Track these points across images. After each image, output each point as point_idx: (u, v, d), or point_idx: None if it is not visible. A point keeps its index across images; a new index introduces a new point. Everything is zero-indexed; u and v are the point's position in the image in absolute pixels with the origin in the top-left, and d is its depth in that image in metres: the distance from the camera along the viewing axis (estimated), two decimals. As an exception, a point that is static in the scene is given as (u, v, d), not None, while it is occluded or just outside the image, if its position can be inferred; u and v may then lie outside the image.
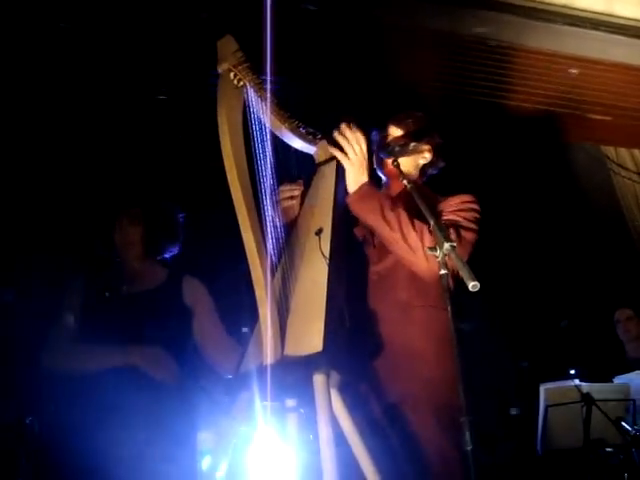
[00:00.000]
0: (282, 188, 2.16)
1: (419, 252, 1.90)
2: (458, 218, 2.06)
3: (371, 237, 2.15)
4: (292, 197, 2.20)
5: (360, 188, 2.01)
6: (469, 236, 2.03)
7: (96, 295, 2.52)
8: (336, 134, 2.05)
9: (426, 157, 2.26)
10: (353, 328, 2.05)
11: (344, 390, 1.75)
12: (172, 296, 2.54)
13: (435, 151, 2.28)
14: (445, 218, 2.05)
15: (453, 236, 1.93)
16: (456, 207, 2.10)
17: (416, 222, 1.94)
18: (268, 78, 1.92)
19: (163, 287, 2.56)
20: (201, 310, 2.55)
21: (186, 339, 2.55)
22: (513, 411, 3.99)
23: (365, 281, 2.12)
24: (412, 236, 1.91)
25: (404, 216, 1.95)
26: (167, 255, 2.72)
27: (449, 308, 1.61)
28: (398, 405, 1.93)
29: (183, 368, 2.50)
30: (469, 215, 2.08)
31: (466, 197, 2.15)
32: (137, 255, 2.60)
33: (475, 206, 2.13)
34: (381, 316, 2.01)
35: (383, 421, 1.95)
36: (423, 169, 2.29)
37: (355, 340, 2.03)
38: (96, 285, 2.56)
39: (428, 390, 1.86)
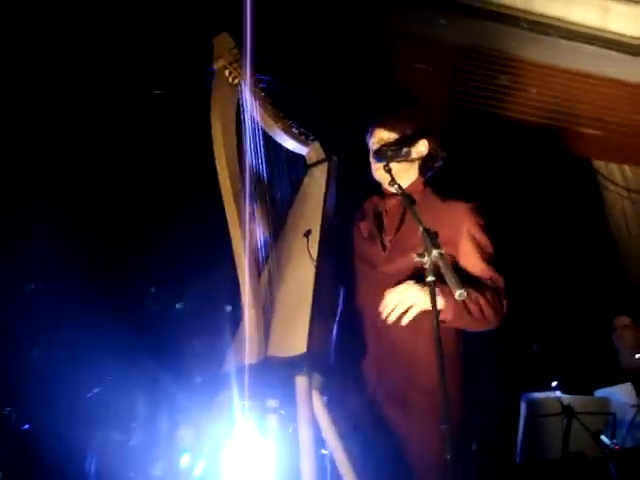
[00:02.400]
0: None
1: (493, 324, 2.00)
2: (493, 274, 2.05)
3: (380, 237, 2.13)
4: None
5: (447, 308, 1.89)
6: (506, 303, 2.04)
7: None
8: (389, 307, 1.91)
9: (421, 151, 2.21)
10: (347, 324, 2.06)
11: (327, 391, 1.75)
12: None
13: (432, 143, 2.23)
14: (478, 270, 2.04)
15: (499, 303, 2.00)
16: (482, 249, 2.07)
17: (488, 296, 1.97)
18: (252, 74, 1.89)
19: None
20: None
21: None
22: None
23: (358, 277, 2.11)
24: (490, 314, 1.97)
25: (481, 300, 1.95)
26: None
27: (435, 314, 1.61)
28: (400, 412, 1.93)
29: None
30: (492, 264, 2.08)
31: (480, 219, 2.12)
32: None
33: (488, 236, 2.12)
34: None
35: (375, 425, 1.94)
36: (424, 165, 2.24)
37: (349, 336, 2.03)
38: None
39: (432, 402, 1.83)
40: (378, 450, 1.91)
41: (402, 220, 2.12)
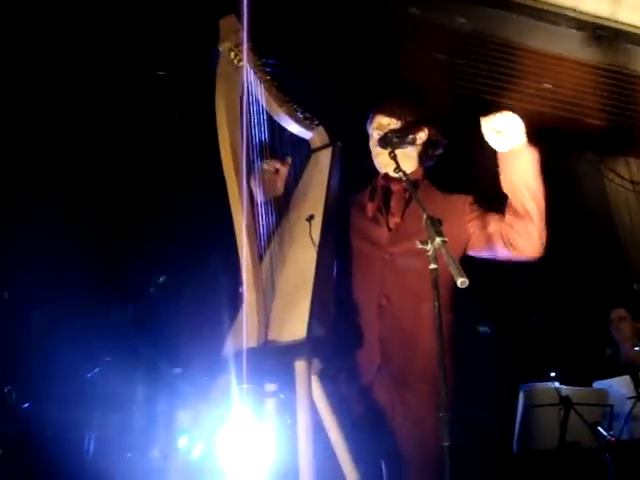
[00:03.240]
0: (268, 160, 2.10)
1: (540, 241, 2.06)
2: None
3: (385, 218, 2.13)
4: (276, 172, 2.17)
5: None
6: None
7: None
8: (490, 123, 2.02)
9: (421, 138, 2.22)
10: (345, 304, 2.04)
11: (329, 375, 1.75)
12: None
13: (432, 134, 2.24)
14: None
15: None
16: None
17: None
18: (245, 55, 1.87)
19: None
20: None
21: None
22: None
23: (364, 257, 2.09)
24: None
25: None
26: None
27: (436, 303, 1.60)
28: (398, 390, 1.92)
29: None
30: None
31: (475, 208, 2.15)
32: None
33: None
34: (393, 300, 2.00)
35: (371, 410, 1.94)
36: (423, 154, 2.25)
37: (342, 318, 2.00)
38: None
39: (433, 386, 1.83)
40: (374, 436, 1.91)
41: (408, 204, 2.12)
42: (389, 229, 2.10)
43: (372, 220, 2.14)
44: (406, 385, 1.93)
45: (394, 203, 2.15)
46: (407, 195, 2.13)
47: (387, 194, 2.19)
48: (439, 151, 2.28)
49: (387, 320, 1.98)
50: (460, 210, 2.13)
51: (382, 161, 2.19)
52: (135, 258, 3.93)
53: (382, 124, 2.20)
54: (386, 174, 2.21)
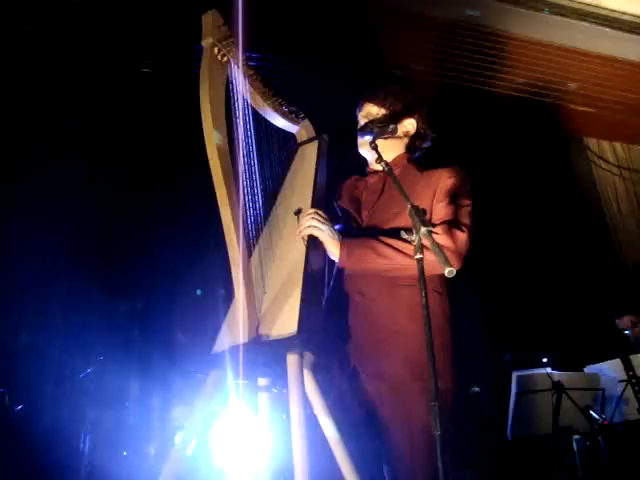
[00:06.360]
0: None
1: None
2: (451, 215, 1.97)
3: (357, 214, 2.13)
4: None
5: (342, 246, 1.96)
6: (463, 236, 1.95)
7: None
8: (301, 229, 1.96)
9: (409, 129, 2.19)
10: (331, 301, 2.03)
11: (318, 369, 1.75)
12: None
13: (421, 122, 2.21)
14: (437, 215, 1.98)
15: (446, 237, 1.91)
16: (448, 197, 2.00)
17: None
18: (241, 51, 1.87)
19: None
20: None
21: None
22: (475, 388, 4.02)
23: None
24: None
25: (395, 241, 1.90)
26: None
27: (424, 293, 1.59)
28: (380, 385, 1.90)
29: None
30: (463, 210, 2.00)
31: (455, 175, 2.04)
32: None
33: (467, 187, 2.05)
34: (366, 292, 1.99)
35: (361, 402, 1.93)
36: (411, 144, 2.22)
37: (333, 314, 2.01)
38: None
39: (413, 371, 1.82)
40: (366, 428, 1.91)
41: (380, 193, 2.11)
42: (360, 223, 2.09)
43: (342, 218, 2.13)
44: (390, 376, 1.89)
45: (366, 196, 2.15)
46: (380, 186, 2.12)
47: (357, 192, 2.19)
48: (427, 144, 2.25)
49: (362, 319, 1.96)
50: (435, 182, 2.05)
51: (366, 151, 2.18)
52: (129, 256, 3.92)
53: (371, 112, 2.18)
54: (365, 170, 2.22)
